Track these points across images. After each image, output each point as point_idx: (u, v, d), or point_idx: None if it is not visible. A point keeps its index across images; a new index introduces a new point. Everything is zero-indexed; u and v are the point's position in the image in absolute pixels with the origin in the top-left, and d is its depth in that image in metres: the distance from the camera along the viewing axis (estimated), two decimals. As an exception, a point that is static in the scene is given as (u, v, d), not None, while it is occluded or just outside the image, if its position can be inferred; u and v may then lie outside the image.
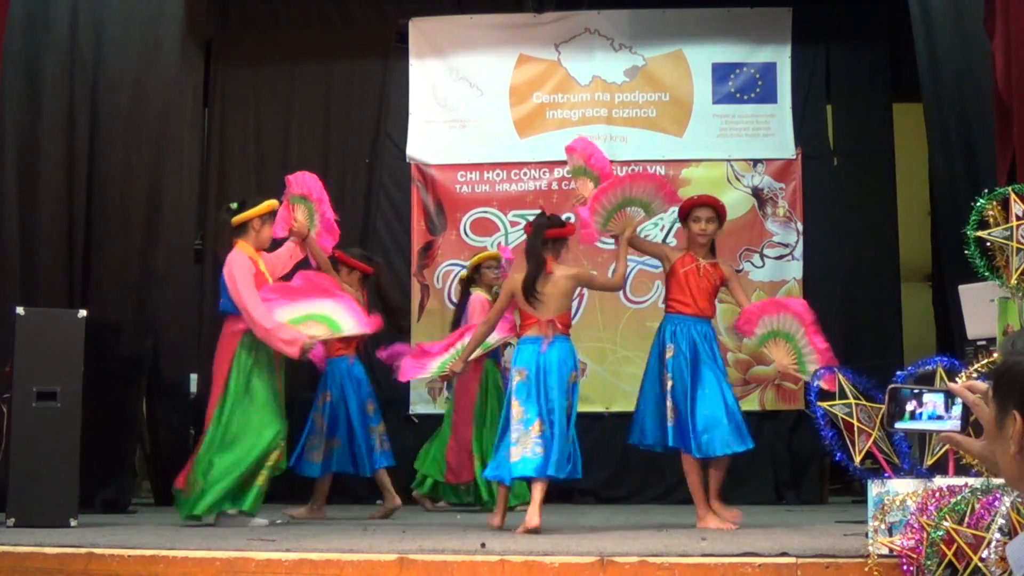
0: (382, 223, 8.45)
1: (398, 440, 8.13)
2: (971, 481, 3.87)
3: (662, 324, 5.84)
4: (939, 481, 4.02)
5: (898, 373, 4.67)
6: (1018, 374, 1.79)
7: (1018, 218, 4.51)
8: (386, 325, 6.60)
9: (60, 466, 5.62)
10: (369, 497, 7.43)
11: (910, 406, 2.10)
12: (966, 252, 4.60)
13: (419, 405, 8.23)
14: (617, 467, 8.00)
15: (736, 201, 8.25)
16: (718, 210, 5.93)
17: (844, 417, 4.82)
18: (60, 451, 5.63)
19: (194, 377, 8.01)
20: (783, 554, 4.09)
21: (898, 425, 2.12)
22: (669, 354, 5.68)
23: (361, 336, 6.37)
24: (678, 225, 8.17)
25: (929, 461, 4.50)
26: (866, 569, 3.92)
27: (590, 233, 5.88)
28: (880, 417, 4.78)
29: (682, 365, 5.64)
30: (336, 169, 8.44)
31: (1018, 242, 4.51)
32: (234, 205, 6.16)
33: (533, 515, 5.23)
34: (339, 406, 6.72)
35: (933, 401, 2.09)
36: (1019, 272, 4.50)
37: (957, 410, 2.06)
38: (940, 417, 2.09)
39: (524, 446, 5.34)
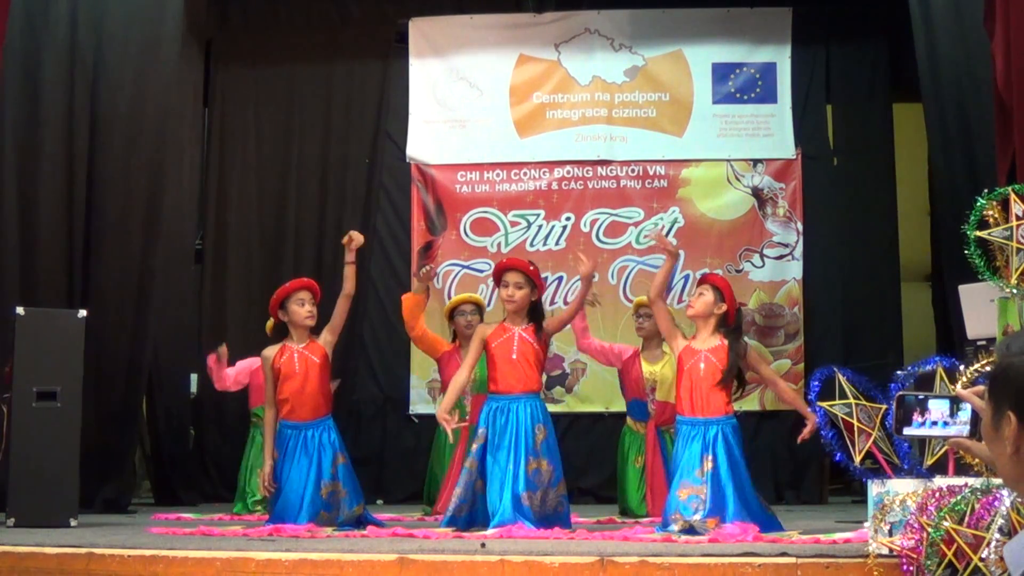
0: (382, 223, 8.45)
1: (398, 440, 8.15)
2: (971, 481, 3.87)
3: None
4: (939, 481, 4.02)
5: (898, 373, 4.68)
6: (1013, 376, 1.79)
7: (1018, 218, 4.52)
8: None
9: (60, 466, 5.61)
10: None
11: (917, 412, 2.11)
12: (966, 252, 4.60)
13: (419, 405, 8.22)
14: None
15: (736, 201, 8.27)
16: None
17: (844, 417, 4.82)
18: (60, 451, 5.62)
19: (194, 377, 8.01)
20: (783, 554, 4.09)
21: (907, 431, 2.13)
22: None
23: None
24: (679, 225, 8.28)
25: (929, 461, 4.51)
26: (866, 569, 3.92)
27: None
28: (880, 417, 4.78)
29: None
30: (336, 169, 8.44)
31: (1018, 242, 4.51)
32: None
33: None
34: None
35: (939, 407, 2.10)
36: (1019, 272, 4.50)
37: (964, 415, 2.07)
38: (947, 423, 2.09)
39: None
